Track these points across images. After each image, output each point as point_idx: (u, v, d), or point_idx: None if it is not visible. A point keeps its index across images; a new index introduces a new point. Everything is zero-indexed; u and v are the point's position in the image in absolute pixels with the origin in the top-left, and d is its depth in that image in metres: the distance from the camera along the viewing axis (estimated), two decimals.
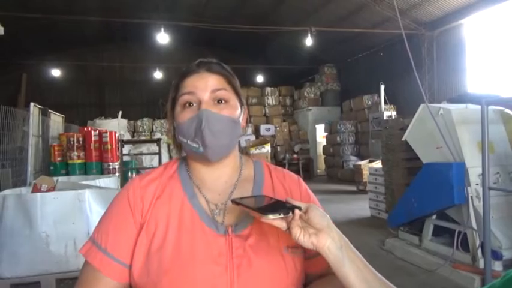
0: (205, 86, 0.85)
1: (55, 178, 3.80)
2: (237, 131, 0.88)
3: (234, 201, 0.77)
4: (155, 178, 0.88)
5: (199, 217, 0.83)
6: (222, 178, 0.90)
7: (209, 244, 0.80)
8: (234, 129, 0.87)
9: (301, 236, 0.71)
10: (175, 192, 0.86)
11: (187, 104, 0.85)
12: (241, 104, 0.91)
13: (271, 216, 0.71)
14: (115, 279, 0.81)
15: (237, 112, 0.88)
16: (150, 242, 0.81)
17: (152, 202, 0.84)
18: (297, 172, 13.42)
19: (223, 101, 0.86)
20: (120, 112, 11.10)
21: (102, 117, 11.95)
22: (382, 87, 10.44)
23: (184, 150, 0.91)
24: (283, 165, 12.83)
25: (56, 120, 7.21)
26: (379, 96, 10.96)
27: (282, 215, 0.71)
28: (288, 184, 0.93)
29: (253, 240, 0.81)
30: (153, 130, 14.38)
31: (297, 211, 0.72)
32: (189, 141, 0.84)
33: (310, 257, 0.86)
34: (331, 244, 0.72)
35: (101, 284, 0.81)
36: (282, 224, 0.73)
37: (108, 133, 5.91)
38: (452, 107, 4.04)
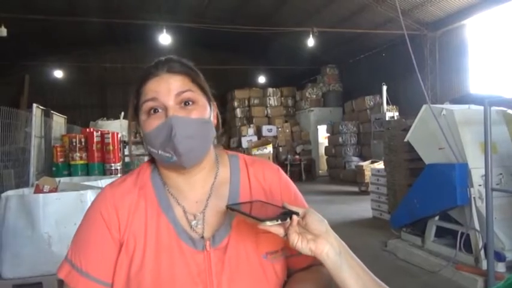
0: (168, 89, 0.78)
1: (57, 179, 3.81)
2: (210, 132, 0.83)
3: (229, 208, 0.76)
4: (128, 190, 0.83)
5: (176, 233, 0.79)
6: (197, 184, 0.85)
7: (188, 264, 0.77)
8: (207, 130, 0.81)
9: (299, 242, 0.70)
10: (150, 204, 0.82)
11: (151, 111, 0.79)
12: (210, 101, 0.84)
13: (268, 223, 0.69)
14: None
15: (207, 112, 0.82)
16: (129, 262, 0.78)
17: (129, 218, 0.80)
18: (299, 173, 13.25)
19: (190, 103, 0.79)
20: (123, 113, 11.08)
21: (105, 118, 11.93)
22: (384, 88, 10.43)
23: (156, 159, 0.84)
24: (285, 166, 12.86)
25: (59, 121, 7.23)
26: (381, 97, 10.95)
27: (279, 221, 0.70)
28: (267, 183, 0.88)
29: (232, 251, 0.79)
30: None
31: (294, 217, 0.71)
32: (160, 152, 0.78)
33: (295, 255, 0.83)
34: (330, 250, 0.71)
35: None
36: (279, 231, 0.71)
37: (110, 134, 5.92)
38: (455, 107, 4.04)
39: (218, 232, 0.81)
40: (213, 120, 0.86)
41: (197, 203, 0.84)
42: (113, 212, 0.80)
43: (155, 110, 0.79)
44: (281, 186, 0.89)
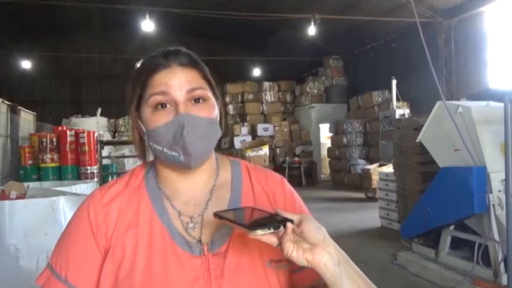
0: (180, 84, 0.81)
1: (25, 184, 3.78)
2: (217, 132, 0.87)
3: (216, 215, 0.77)
4: (119, 193, 0.86)
5: (171, 238, 0.82)
6: (196, 186, 0.89)
7: (184, 268, 0.79)
8: (215, 131, 0.86)
9: (294, 252, 0.71)
10: (143, 209, 0.85)
11: (159, 106, 0.82)
12: (217, 99, 0.88)
13: (260, 232, 0.70)
14: None
15: (216, 111, 0.86)
16: (117, 268, 0.80)
17: (117, 223, 0.83)
18: (298, 177, 13.23)
19: (201, 101, 0.83)
20: (99, 109, 11.07)
21: (79, 115, 11.93)
22: (394, 82, 10.48)
23: (157, 157, 0.87)
24: (282, 170, 12.86)
25: (27, 118, 7.20)
26: (390, 92, 11.00)
27: (272, 230, 0.71)
28: (270, 188, 0.92)
29: (232, 257, 0.81)
30: None
31: (289, 224, 0.71)
32: (165, 149, 0.82)
33: (297, 269, 0.85)
34: (328, 260, 0.71)
35: None
36: (272, 240, 0.72)
37: (85, 133, 5.90)
38: (472, 104, 4.07)
39: (217, 236, 0.83)
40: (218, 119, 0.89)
41: (195, 206, 0.86)
42: (101, 216, 0.83)
43: (163, 105, 0.82)
44: (285, 195, 0.93)
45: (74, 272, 0.81)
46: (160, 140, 0.81)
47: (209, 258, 0.80)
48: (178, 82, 0.82)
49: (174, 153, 0.81)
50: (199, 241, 0.82)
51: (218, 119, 0.88)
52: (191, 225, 0.84)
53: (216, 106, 0.87)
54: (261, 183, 0.92)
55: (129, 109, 0.88)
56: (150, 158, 0.91)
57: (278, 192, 0.92)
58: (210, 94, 0.85)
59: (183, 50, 0.86)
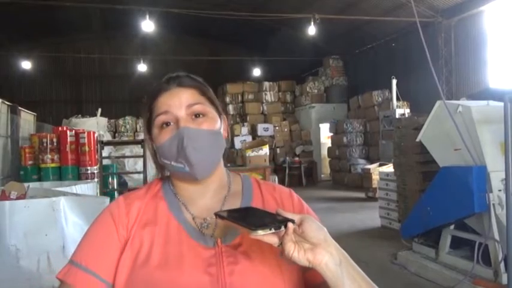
0: (180, 102, 0.91)
1: (26, 184, 3.78)
2: (221, 144, 0.94)
3: (218, 215, 0.78)
4: (139, 197, 0.95)
5: (186, 232, 0.88)
6: (209, 194, 0.96)
7: (198, 256, 0.85)
8: (217, 142, 0.93)
9: (295, 252, 0.72)
10: (160, 210, 0.93)
11: (164, 125, 0.91)
12: (220, 114, 0.96)
13: (260, 232, 0.70)
14: None
15: (217, 124, 0.94)
16: (134, 256, 0.86)
17: (137, 219, 0.91)
18: (298, 177, 13.14)
19: (200, 115, 0.91)
20: (100, 110, 11.07)
21: (79, 116, 11.92)
22: (394, 81, 10.49)
23: (169, 171, 0.97)
24: (283, 170, 12.88)
25: (27, 118, 7.21)
26: (390, 92, 11.01)
27: (273, 230, 0.71)
28: (278, 195, 0.98)
29: (245, 248, 0.85)
30: (136, 130, 14.35)
31: (290, 224, 0.72)
32: (172, 163, 0.90)
33: (308, 268, 0.86)
34: (329, 260, 0.72)
35: None
36: (273, 240, 0.73)
37: (85, 133, 5.91)
38: (472, 104, 4.07)
39: (230, 233, 0.88)
40: (224, 133, 0.97)
41: (208, 210, 0.93)
42: (123, 212, 0.91)
43: (167, 124, 0.91)
44: (294, 203, 0.98)
45: (94, 260, 0.86)
46: (167, 155, 0.90)
47: (222, 248, 0.86)
48: (178, 101, 0.91)
49: (180, 165, 0.89)
50: (213, 236, 0.88)
51: (222, 131, 0.95)
52: (204, 224, 0.90)
53: (219, 120, 0.95)
54: (270, 192, 0.99)
55: (144, 134, 1.00)
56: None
57: (287, 200, 0.97)
58: (209, 109, 0.93)
59: (183, 74, 0.96)
